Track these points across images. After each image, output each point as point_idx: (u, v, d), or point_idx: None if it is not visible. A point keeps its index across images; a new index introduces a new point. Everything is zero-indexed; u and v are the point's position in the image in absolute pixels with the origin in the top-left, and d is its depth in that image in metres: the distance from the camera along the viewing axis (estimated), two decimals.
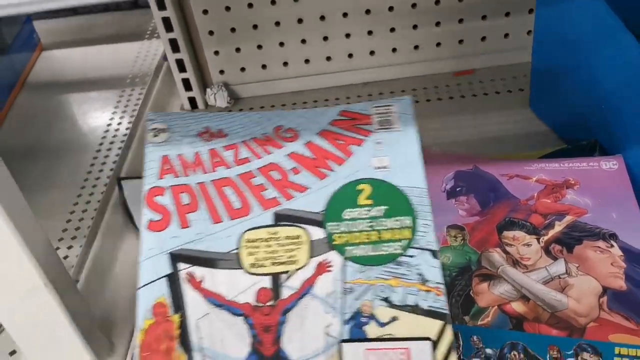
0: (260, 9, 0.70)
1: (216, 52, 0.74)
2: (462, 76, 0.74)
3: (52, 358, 0.45)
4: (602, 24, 0.50)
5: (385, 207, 0.37)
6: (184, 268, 0.37)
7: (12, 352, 0.50)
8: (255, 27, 0.71)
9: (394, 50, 0.74)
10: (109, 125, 0.75)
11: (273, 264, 0.36)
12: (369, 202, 0.37)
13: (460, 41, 0.73)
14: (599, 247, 0.46)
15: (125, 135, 0.72)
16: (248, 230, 0.37)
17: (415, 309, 0.34)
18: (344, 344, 0.34)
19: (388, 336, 0.34)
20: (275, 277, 0.36)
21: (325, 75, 0.76)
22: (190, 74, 0.73)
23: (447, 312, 0.34)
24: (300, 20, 0.71)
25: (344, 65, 0.75)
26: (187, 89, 0.75)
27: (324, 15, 0.70)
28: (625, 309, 0.42)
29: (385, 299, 0.35)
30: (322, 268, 0.36)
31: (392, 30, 0.72)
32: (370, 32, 0.72)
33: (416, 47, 0.74)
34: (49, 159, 0.71)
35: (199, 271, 0.36)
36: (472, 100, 0.70)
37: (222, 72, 0.76)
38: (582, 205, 0.49)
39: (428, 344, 0.33)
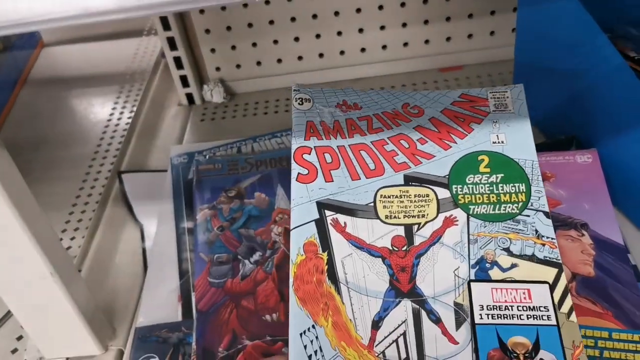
0: (255, 8, 0.72)
1: (212, 50, 0.76)
2: (450, 72, 0.77)
3: (57, 343, 0.48)
4: (578, 24, 0.53)
5: (502, 175, 0.43)
6: (329, 215, 0.42)
7: (19, 337, 0.53)
8: (250, 25, 0.74)
9: (384, 47, 0.76)
10: (109, 120, 0.77)
11: (405, 216, 0.42)
12: (488, 170, 0.44)
13: (448, 38, 0.75)
14: (570, 235, 0.48)
15: (125, 130, 0.74)
16: (382, 187, 0.43)
17: (532, 258, 0.40)
18: (472, 283, 0.39)
19: (510, 279, 0.39)
20: (408, 227, 0.42)
21: (317, 71, 0.78)
22: (187, 71, 0.76)
23: (560, 261, 0.39)
24: (293, 19, 0.73)
25: (336, 62, 0.77)
26: (185, 86, 0.78)
27: (316, 14, 0.73)
28: (592, 294, 0.45)
29: (506, 249, 0.40)
30: (449, 222, 0.42)
31: (382, 28, 0.74)
32: (361, 30, 0.74)
33: (405, 44, 0.76)
34: (51, 153, 0.73)
35: (342, 218, 0.42)
36: None
37: (218, 69, 0.78)
38: (557, 197, 0.51)
39: (546, 286, 0.38)
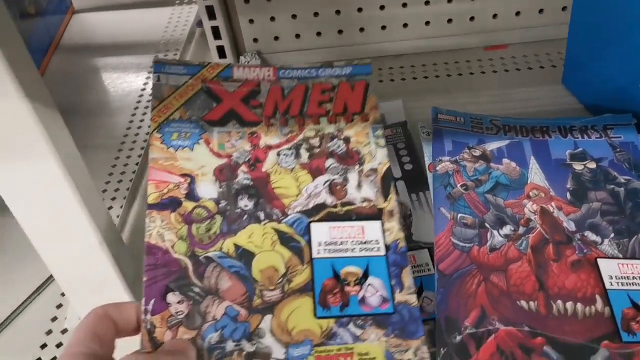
0: None
1: (251, 20, 0.74)
2: (494, 51, 0.75)
3: None
4: None
5: None
6: None
7: (59, 305, 0.52)
8: None
9: (427, 23, 0.74)
10: (143, 90, 0.76)
11: None
12: None
13: (494, 15, 0.73)
14: None
15: None
16: None
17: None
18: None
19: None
20: None
21: (358, 46, 0.76)
22: (225, 42, 0.74)
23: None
24: None
25: (377, 37, 0.75)
26: (221, 56, 0.76)
27: None
28: None
29: None
30: None
31: (427, 3, 0.72)
32: (404, 5, 0.72)
33: (449, 20, 0.74)
34: (86, 121, 0.72)
35: None
36: (504, 75, 0.71)
37: (255, 40, 0.76)
38: None
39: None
